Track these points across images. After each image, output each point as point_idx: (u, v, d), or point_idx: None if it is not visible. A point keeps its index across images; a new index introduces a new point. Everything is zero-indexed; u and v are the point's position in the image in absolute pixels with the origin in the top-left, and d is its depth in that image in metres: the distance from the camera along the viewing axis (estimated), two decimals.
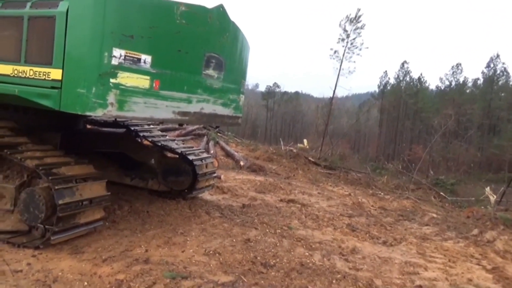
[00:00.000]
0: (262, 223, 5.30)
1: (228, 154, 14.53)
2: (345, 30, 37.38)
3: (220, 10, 4.01)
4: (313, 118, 71.64)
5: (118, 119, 5.60)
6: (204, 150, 6.96)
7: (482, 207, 11.49)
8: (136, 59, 3.35)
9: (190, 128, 17.25)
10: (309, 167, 16.89)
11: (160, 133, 6.54)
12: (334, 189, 10.98)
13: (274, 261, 3.99)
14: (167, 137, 6.55)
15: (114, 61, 3.24)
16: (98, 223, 3.97)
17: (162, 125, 7.19)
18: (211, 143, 16.37)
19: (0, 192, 3.82)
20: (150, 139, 6.04)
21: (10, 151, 3.65)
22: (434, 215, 8.80)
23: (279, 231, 5.06)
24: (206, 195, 6.63)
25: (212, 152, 12.96)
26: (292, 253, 4.31)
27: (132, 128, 6.03)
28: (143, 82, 3.43)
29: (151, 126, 6.52)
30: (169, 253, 3.87)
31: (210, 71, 4.02)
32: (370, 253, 4.73)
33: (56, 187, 3.42)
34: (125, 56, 3.29)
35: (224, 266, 3.72)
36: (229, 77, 4.35)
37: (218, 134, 19.90)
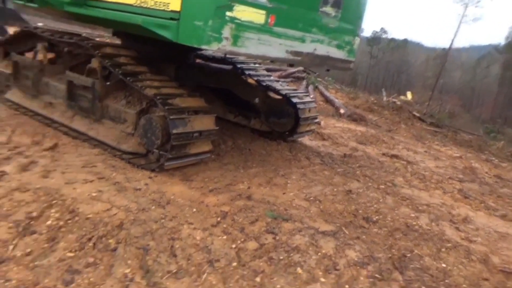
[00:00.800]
0: (364, 176, 5.06)
1: (327, 100, 14.09)
2: None
3: None
4: (421, 70, 65.60)
5: (230, 55, 5.61)
6: (307, 94, 6.74)
7: None
8: None
9: (290, 70, 16.99)
10: (413, 122, 15.70)
11: (265, 72, 6.45)
12: (442, 149, 10.07)
13: (376, 217, 3.80)
14: (272, 77, 6.44)
15: None
16: (206, 155, 4.13)
17: (266, 64, 7.09)
18: (310, 87, 16.00)
19: (124, 116, 4.14)
20: (255, 78, 5.99)
21: (132, 78, 3.87)
22: None
23: (383, 186, 4.79)
24: (306, 140, 6.53)
25: (311, 96, 12.66)
26: (396, 211, 4.06)
27: (239, 66, 6.02)
28: (258, 17, 3.26)
29: (257, 65, 6.45)
30: (270, 193, 3.91)
31: (328, 8, 3.68)
32: (484, 225, 4.26)
33: (171, 117, 3.57)
34: None
35: (324, 214, 3.65)
36: (346, 16, 3.95)
37: (318, 78, 19.34)
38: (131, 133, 4.05)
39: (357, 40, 4.42)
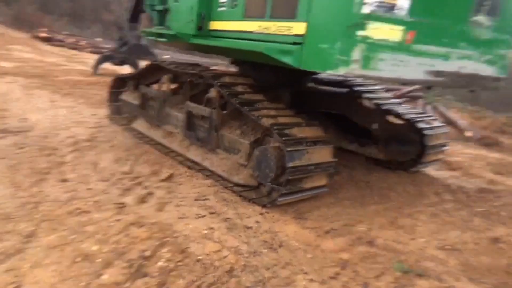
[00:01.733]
0: (511, 218, 4.14)
1: (449, 121, 12.60)
2: None
3: None
4: None
5: (359, 79, 5.24)
6: (436, 118, 5.93)
7: None
8: (390, 6, 2.75)
9: (407, 88, 15.78)
10: None
11: (386, 95, 5.86)
12: None
13: None
14: (393, 100, 5.81)
15: (366, 9, 2.72)
16: (321, 189, 3.76)
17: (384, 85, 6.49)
18: (428, 107, 14.61)
19: (237, 146, 4.01)
20: (374, 101, 5.44)
21: (249, 108, 3.72)
22: None
23: None
24: (431, 171, 5.71)
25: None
26: None
27: (356, 89, 5.55)
28: (394, 34, 2.82)
29: (377, 87, 5.89)
30: (395, 237, 3.36)
31: (481, 17, 3.05)
32: None
33: (288, 149, 3.30)
34: (378, 1, 2.72)
35: (467, 269, 2.97)
36: (504, 24, 3.25)
37: (437, 97, 17.65)
38: (243, 164, 3.89)
39: (511, 53, 3.65)
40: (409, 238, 3.40)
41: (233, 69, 5.53)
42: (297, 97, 4.87)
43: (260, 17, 3.39)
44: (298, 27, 2.99)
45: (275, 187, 3.51)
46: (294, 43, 3.02)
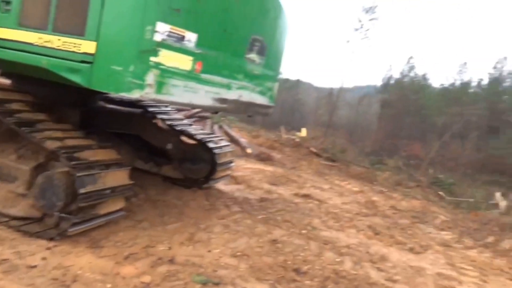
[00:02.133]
0: (285, 221, 4.99)
1: (233, 140, 14.14)
2: (359, 20, 36.68)
3: None
4: (312, 108, 71.15)
5: (154, 103, 5.23)
6: (223, 138, 6.59)
7: (488, 212, 11.37)
8: (180, 37, 2.96)
9: (195, 110, 16.82)
10: (312, 158, 16.63)
11: (178, 116, 6.15)
12: (342, 184, 10.73)
13: (305, 267, 3.70)
14: (185, 121, 6.16)
15: (157, 37, 2.85)
16: (118, 213, 3.63)
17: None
18: (215, 127, 15.99)
19: (13, 173, 3.45)
20: (168, 122, 5.65)
21: (29, 129, 3.27)
22: (443, 217, 8.61)
23: (304, 231, 4.76)
24: (221, 185, 6.30)
25: (219, 136, 12.58)
26: (322, 258, 4.02)
27: (150, 110, 5.64)
28: (185, 63, 3.05)
29: (169, 108, 6.13)
30: (194, 252, 3.56)
31: (253, 55, 3.64)
32: (399, 261, 4.47)
33: (79, 174, 3.07)
34: (169, 32, 2.89)
35: (255, 271, 3.42)
36: (269, 62, 3.97)
37: (221, 117, 19.50)
38: (23, 193, 3.37)
39: (277, 86, 4.46)
40: (206, 250, 3.65)
41: (4, 81, 4.73)
42: (87, 117, 4.57)
43: (39, 28, 3.06)
44: (88, 46, 2.86)
45: (65, 216, 3.19)
46: (83, 62, 2.86)
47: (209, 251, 3.64)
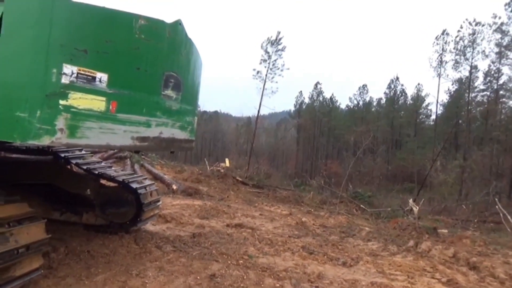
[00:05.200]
0: (221, 254, 4.90)
1: (157, 178, 13.71)
2: (266, 52, 38.66)
3: (178, 26, 3.65)
4: (233, 137, 72.21)
5: (68, 148, 4.86)
6: (146, 177, 6.35)
7: (405, 218, 12.35)
8: (90, 78, 2.84)
9: (112, 151, 16.05)
10: (238, 187, 16.76)
11: (94, 159, 5.81)
12: (272, 209, 10.93)
13: None
14: (103, 163, 5.84)
15: (65, 79, 2.70)
16: (36, 273, 3.25)
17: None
18: (136, 166, 15.40)
19: None
20: (84, 167, 5.30)
21: None
22: (368, 228, 9.16)
23: (241, 261, 4.71)
24: (149, 226, 6.03)
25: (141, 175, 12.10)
26: (262, 285, 4.00)
27: (62, 155, 5.26)
28: (98, 104, 2.92)
29: (83, 152, 5.77)
30: None
31: (169, 92, 3.61)
32: (335, 276, 4.62)
33: None
34: (77, 73, 2.76)
35: None
36: (186, 97, 3.97)
37: (142, 156, 18.86)
38: None
39: (196, 120, 4.46)
40: None
41: None
42: None
43: None
44: None
45: None
46: None
47: None
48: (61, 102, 2.71)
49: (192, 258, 4.61)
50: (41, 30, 2.68)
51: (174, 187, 11.48)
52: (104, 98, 2.95)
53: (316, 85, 69.16)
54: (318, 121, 66.10)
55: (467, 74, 45.11)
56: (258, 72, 39.55)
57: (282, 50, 39.59)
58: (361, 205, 16.82)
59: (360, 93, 67.17)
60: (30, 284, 3.33)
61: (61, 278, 3.62)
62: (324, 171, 34.79)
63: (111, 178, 5.32)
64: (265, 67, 39.14)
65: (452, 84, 50.88)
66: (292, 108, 74.04)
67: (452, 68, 45.57)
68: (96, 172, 5.29)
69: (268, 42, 39.24)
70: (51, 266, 3.85)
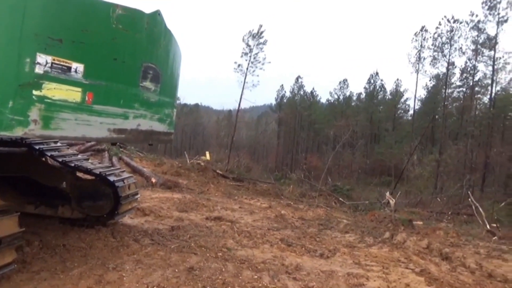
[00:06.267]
0: (199, 247, 4.90)
1: (135, 170, 13.55)
2: (248, 45, 38.55)
3: (157, 16, 3.60)
4: (214, 130, 71.93)
5: (42, 139, 4.73)
6: (124, 170, 6.26)
7: (382, 210, 12.63)
8: (65, 68, 2.77)
9: (89, 143, 15.75)
10: (219, 180, 16.74)
11: (70, 151, 5.69)
12: (251, 202, 10.97)
13: None
14: (80, 156, 5.72)
15: (39, 69, 2.63)
16: (9, 267, 3.18)
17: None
18: (114, 159, 15.17)
19: None
20: (60, 159, 5.19)
21: None
22: (345, 221, 9.33)
23: (220, 254, 4.73)
24: (127, 219, 5.97)
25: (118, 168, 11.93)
26: (241, 277, 4.03)
27: (36, 147, 5.13)
28: (73, 94, 2.85)
29: (58, 144, 5.64)
30: None
31: (148, 83, 3.57)
32: (312, 267, 4.69)
33: None
34: (52, 63, 2.69)
35: None
36: (165, 89, 3.93)
37: (120, 149, 18.58)
38: None
39: (175, 112, 4.43)
40: None
41: None
42: None
43: None
44: None
45: None
46: None
47: None
48: (35, 92, 2.64)
49: (171, 251, 4.59)
50: (14, 19, 2.61)
51: (153, 180, 11.38)
52: (80, 89, 2.89)
53: (297, 79, 69.50)
54: (298, 115, 66.49)
55: (444, 70, 46.26)
56: (239, 65, 39.50)
57: (264, 43, 39.61)
58: (340, 198, 17.10)
59: (340, 88, 67.86)
60: (2, 279, 3.26)
61: (35, 273, 3.55)
62: (304, 165, 35.17)
63: (87, 171, 5.23)
64: (246, 60, 39.12)
65: (430, 80, 52.10)
66: (273, 102, 74.19)
67: (430, 64, 46.68)
68: (72, 164, 5.19)
69: (250, 35, 39.16)
70: (25, 260, 3.77)
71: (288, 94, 71.05)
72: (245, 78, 37.07)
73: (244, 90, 36.02)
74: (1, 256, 3.06)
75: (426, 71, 49.29)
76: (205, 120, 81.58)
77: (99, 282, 3.50)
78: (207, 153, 28.46)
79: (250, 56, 39.00)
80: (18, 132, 2.61)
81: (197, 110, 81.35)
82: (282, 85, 72.72)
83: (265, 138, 70.74)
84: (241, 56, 39.35)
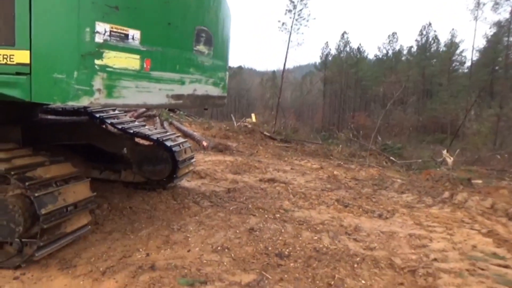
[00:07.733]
0: (257, 208, 4.98)
1: (186, 135, 13.88)
2: (291, 1, 37.16)
3: None
4: (258, 93, 71.64)
5: (106, 108, 4.91)
6: (179, 135, 6.41)
7: (437, 169, 12.12)
8: (123, 35, 2.77)
9: (142, 110, 16.28)
10: (266, 142, 16.79)
11: (127, 118, 5.88)
12: (302, 163, 10.92)
13: (287, 250, 3.71)
14: (136, 122, 5.91)
15: (98, 38, 2.65)
16: (85, 229, 3.41)
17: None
18: (165, 124, 15.60)
19: None
20: (119, 126, 5.39)
21: None
22: (400, 180, 9.05)
23: (278, 215, 4.78)
24: (185, 182, 6.17)
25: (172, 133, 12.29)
26: (301, 238, 4.06)
27: (97, 115, 5.34)
28: (133, 62, 2.87)
29: (116, 112, 5.83)
30: (174, 254, 3.44)
31: (201, 47, 3.52)
32: (372, 228, 4.62)
33: (36, 194, 2.83)
34: (110, 31, 2.70)
35: (239, 263, 3.37)
36: (218, 53, 3.86)
37: (170, 114, 19.05)
38: None
39: (227, 75, 4.38)
40: (186, 251, 3.54)
41: None
42: (30, 133, 4.24)
43: None
44: (21, 56, 2.60)
45: (28, 241, 2.96)
46: (19, 73, 2.60)
47: (189, 250, 3.54)
48: (97, 62, 2.67)
49: (230, 212, 4.70)
50: None
51: (205, 143, 11.61)
52: (138, 56, 2.90)
53: (343, 35, 66.61)
54: (345, 73, 64.27)
55: (507, 15, 42.03)
56: (283, 23, 38.35)
57: None
58: (391, 157, 16.60)
59: (389, 42, 64.28)
60: (80, 239, 3.50)
61: (107, 233, 3.79)
62: (352, 124, 34.32)
63: (145, 137, 5.40)
64: (290, 18, 37.81)
65: (490, 28, 47.76)
66: (318, 60, 72.07)
67: (491, 9, 42.61)
68: (131, 131, 5.38)
69: None
70: (97, 222, 4.03)
71: (333, 51, 68.59)
72: (289, 37, 36.04)
73: (289, 49, 35.09)
74: (78, 218, 3.27)
75: (486, 17, 45.32)
76: (249, 82, 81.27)
77: (166, 243, 3.67)
78: (253, 115, 28.49)
79: (294, 13, 37.68)
80: (84, 102, 2.68)
81: (240, 73, 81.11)
82: (327, 42, 70.32)
83: (311, 98, 69.51)
84: (285, 14, 38.11)
